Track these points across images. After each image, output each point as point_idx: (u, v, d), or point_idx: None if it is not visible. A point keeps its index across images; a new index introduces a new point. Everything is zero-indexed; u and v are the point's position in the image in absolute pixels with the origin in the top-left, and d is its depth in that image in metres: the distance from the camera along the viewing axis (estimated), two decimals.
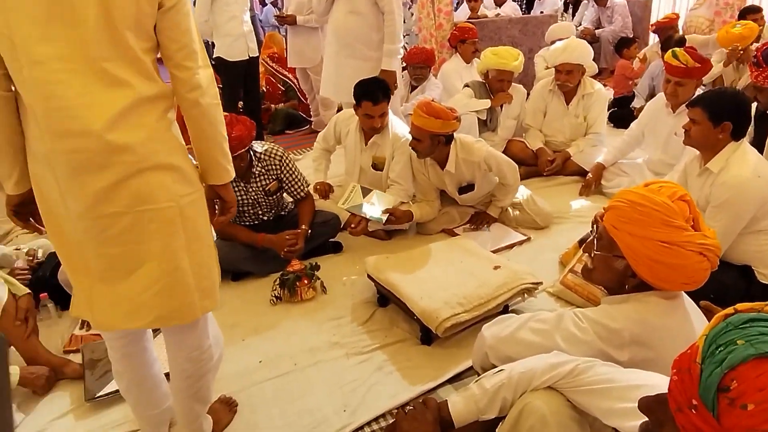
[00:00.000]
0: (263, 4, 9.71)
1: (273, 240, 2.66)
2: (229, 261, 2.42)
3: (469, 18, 5.89)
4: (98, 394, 1.94)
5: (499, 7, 6.72)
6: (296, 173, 2.77)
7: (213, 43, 4.38)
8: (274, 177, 2.72)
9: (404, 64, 4.43)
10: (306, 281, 2.50)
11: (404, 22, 4.73)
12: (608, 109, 4.33)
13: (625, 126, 3.69)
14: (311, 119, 5.37)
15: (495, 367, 1.42)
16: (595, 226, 1.50)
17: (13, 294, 2.06)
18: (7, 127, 1.25)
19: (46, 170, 1.25)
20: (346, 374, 2.04)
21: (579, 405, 1.22)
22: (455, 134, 2.84)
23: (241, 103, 4.72)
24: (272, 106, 5.55)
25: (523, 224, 3.08)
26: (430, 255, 2.47)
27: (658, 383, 1.08)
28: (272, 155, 2.69)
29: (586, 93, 3.71)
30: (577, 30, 6.50)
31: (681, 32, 5.43)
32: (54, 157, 1.21)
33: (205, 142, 1.39)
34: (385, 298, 2.41)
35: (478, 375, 1.44)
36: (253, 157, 2.65)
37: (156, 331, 1.93)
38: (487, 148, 2.89)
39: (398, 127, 3.05)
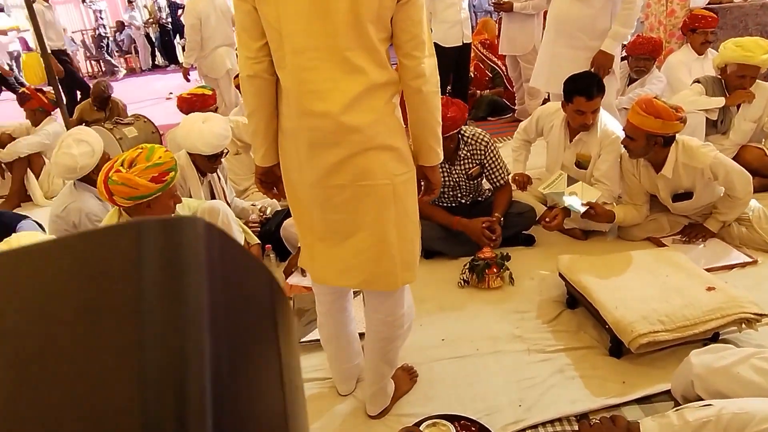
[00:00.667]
0: None
1: (468, 225, 2.72)
2: (424, 239, 2.49)
3: (709, 3, 5.20)
4: (302, 340, 2.22)
5: None
6: (499, 160, 2.80)
7: (431, 29, 4.55)
8: (477, 161, 2.78)
9: (624, 54, 4.11)
10: (495, 270, 2.52)
11: None
12: None
13: None
14: (515, 107, 5.30)
15: (700, 399, 1.30)
16: None
17: (247, 242, 2.45)
18: (268, 106, 1.47)
19: (291, 144, 1.46)
20: (526, 370, 2.03)
21: None
22: (677, 135, 2.57)
23: (449, 88, 4.85)
24: (478, 92, 5.59)
25: (749, 244, 2.69)
26: (631, 263, 2.30)
27: None
28: (479, 140, 2.75)
29: None
30: None
31: None
32: (298, 132, 1.41)
33: (420, 127, 1.49)
34: (574, 299, 2.32)
35: (677, 403, 1.33)
36: (461, 140, 2.73)
37: (356, 294, 2.13)
38: (715, 154, 2.56)
39: (609, 122, 2.86)
